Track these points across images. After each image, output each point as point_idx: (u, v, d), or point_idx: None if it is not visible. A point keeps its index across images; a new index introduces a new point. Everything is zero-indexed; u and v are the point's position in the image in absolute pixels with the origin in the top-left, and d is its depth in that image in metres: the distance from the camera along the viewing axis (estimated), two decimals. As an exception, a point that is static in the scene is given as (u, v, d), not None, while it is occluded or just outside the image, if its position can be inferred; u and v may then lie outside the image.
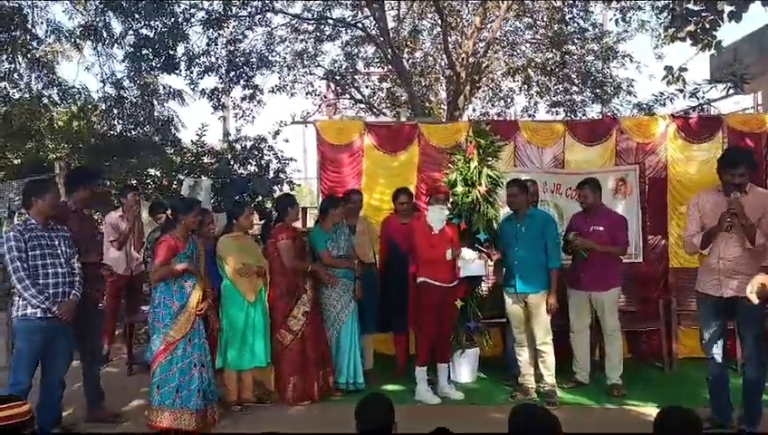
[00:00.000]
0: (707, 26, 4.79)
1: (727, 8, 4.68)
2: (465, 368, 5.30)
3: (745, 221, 3.77)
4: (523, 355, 4.89)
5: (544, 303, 4.72)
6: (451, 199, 5.19)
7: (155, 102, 10.37)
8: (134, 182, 8.08)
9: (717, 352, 4.07)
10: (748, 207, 3.81)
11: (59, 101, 10.28)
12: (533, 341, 4.83)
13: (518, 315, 4.84)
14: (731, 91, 8.40)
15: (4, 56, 9.07)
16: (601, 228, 4.94)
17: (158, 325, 4.20)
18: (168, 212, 4.52)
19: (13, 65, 9.38)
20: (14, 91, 10.05)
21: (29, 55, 9.61)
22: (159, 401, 4.14)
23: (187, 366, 4.19)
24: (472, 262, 4.81)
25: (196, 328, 4.26)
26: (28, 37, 9.27)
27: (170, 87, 10.45)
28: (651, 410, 4.33)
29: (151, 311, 4.28)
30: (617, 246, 4.96)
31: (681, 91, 8.18)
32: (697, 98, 8.79)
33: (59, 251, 4.01)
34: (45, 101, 10.04)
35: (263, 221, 8.19)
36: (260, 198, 8.51)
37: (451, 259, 4.75)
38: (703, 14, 4.78)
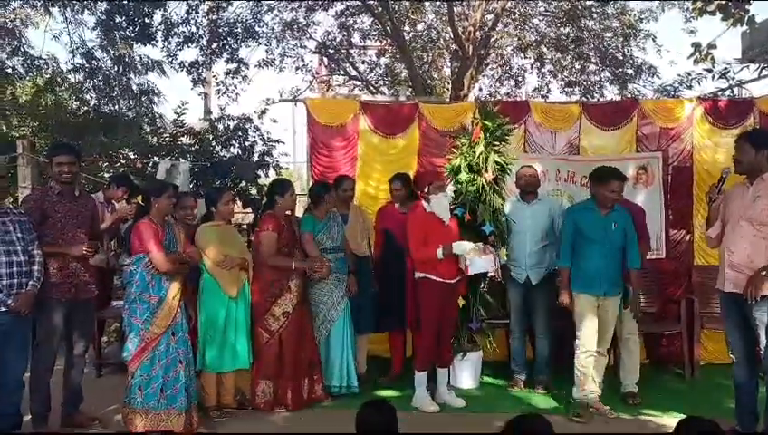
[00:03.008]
0: (740, -1, 4.76)
1: (762, -21, 4.65)
2: (466, 373, 5.29)
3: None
4: (590, 366, 4.64)
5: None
6: (454, 188, 5.16)
7: (131, 75, 10.30)
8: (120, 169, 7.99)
9: (736, 353, 4.06)
10: (763, 195, 3.81)
11: (24, 73, 10.18)
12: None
13: (595, 320, 4.63)
14: (764, 71, 8.38)
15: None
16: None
17: (136, 322, 4.18)
18: (140, 198, 4.47)
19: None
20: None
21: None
22: (142, 402, 4.15)
23: (172, 363, 4.21)
24: (479, 257, 4.66)
25: (179, 321, 4.27)
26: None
27: (148, 57, 10.40)
28: (669, 421, 4.34)
29: (127, 307, 4.26)
30: (641, 243, 4.87)
31: (709, 71, 8.15)
32: (727, 79, 8.77)
33: (14, 237, 3.97)
34: (8, 71, 9.96)
35: (249, 209, 8.12)
36: (243, 183, 8.48)
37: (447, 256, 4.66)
38: (735, -15, 4.75)
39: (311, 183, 6.03)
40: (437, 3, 12.54)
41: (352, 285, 5.05)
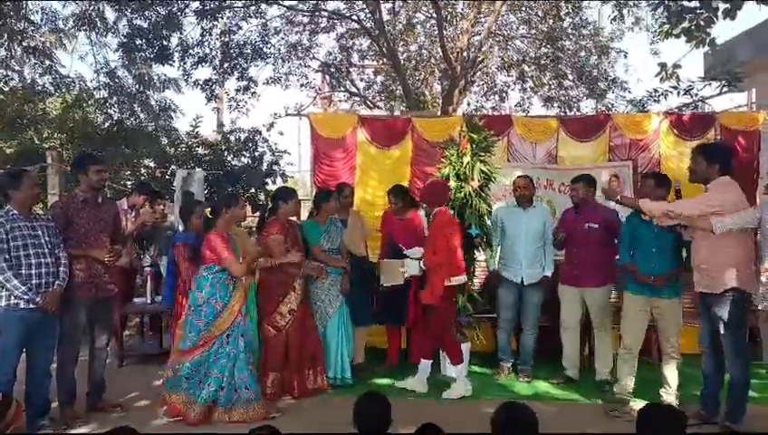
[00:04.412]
0: (702, 23, 4.76)
1: (722, 6, 4.65)
2: (456, 362, 5.27)
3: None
4: (631, 363, 4.53)
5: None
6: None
7: (151, 92, 10.30)
8: (142, 178, 7.99)
9: (704, 344, 4.13)
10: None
11: (53, 91, 10.17)
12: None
13: (643, 321, 4.48)
14: (725, 88, 8.41)
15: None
16: (596, 225, 4.89)
17: (199, 323, 4.21)
18: (207, 211, 4.58)
19: (9, 53, 9.29)
20: (9, 78, 9.98)
21: (24, 43, 9.52)
22: (186, 389, 4.19)
23: (220, 359, 4.21)
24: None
25: (237, 323, 4.27)
26: (25, 24, 9.17)
27: (165, 76, 10.41)
28: (640, 406, 4.32)
29: (192, 309, 4.27)
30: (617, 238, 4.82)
31: (675, 88, 8.17)
32: (691, 95, 8.80)
33: (42, 241, 3.95)
34: (39, 89, 9.95)
35: (257, 214, 8.09)
36: (252, 190, 8.48)
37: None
38: (697, 12, 4.75)
39: (314, 190, 6.02)
40: (429, 26, 12.56)
41: (345, 284, 4.99)
